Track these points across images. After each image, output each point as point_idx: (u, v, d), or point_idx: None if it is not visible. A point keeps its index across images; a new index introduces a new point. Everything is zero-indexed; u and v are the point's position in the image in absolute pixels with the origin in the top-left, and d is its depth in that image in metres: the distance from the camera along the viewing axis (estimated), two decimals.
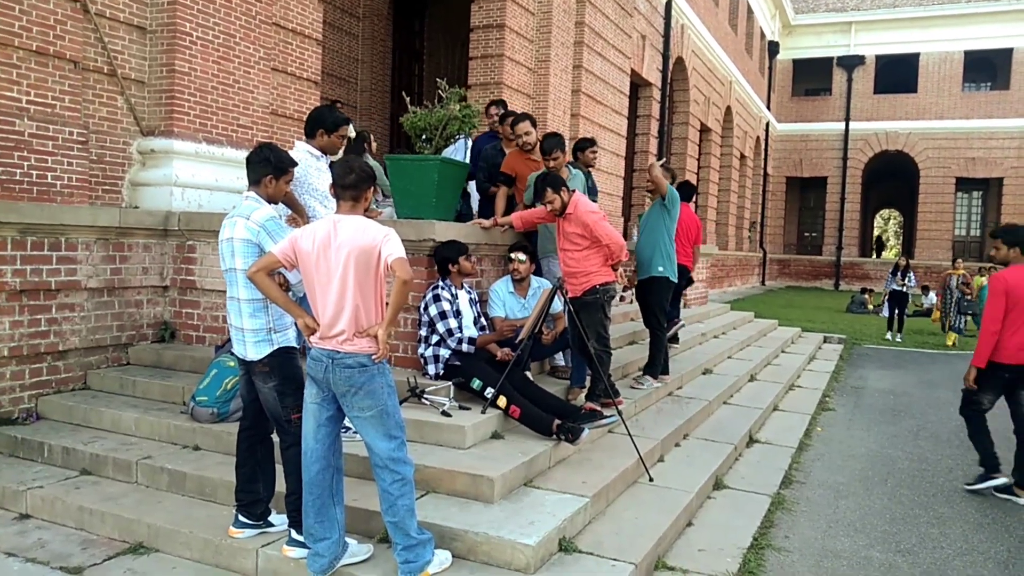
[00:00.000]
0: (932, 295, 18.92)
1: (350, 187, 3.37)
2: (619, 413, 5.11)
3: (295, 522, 3.56)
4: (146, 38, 6.38)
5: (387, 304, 3.35)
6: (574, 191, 5.53)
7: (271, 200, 3.81)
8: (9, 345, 5.09)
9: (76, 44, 5.67)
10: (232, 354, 4.96)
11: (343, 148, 8.00)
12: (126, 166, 6.36)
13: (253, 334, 3.61)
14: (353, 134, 8.68)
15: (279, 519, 3.78)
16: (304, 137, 4.76)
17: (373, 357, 3.31)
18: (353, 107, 13.29)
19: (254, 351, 3.61)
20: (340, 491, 3.50)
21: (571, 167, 6.28)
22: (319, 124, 4.63)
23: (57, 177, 5.55)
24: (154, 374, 5.61)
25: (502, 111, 7.00)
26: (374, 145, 8.54)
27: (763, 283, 29.67)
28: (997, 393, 5.56)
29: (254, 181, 3.75)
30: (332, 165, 3.47)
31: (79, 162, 5.70)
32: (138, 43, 6.34)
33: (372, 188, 3.48)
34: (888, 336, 14.90)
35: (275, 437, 3.85)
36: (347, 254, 3.25)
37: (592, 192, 6.75)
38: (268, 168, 3.73)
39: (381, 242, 3.27)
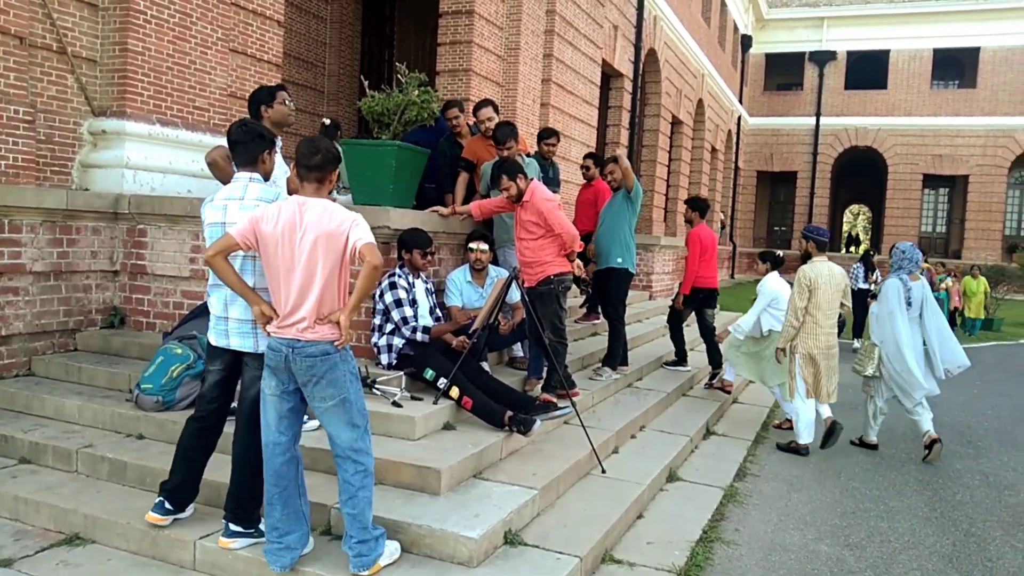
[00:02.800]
0: None
1: (315, 168, 3.26)
2: (573, 405, 5.08)
3: (236, 517, 3.47)
4: (98, 15, 6.20)
5: (351, 290, 3.27)
6: (532, 179, 5.48)
7: (267, 177, 3.68)
8: None
9: (22, 20, 5.48)
10: (180, 342, 4.88)
11: (320, 133, 7.95)
12: (76, 147, 6.19)
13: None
14: (328, 121, 8.62)
15: (191, 507, 3.73)
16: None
17: (336, 344, 3.23)
18: (320, 92, 13.10)
19: (264, 341, 3.45)
20: (303, 481, 3.42)
21: (525, 156, 6.22)
22: (259, 102, 4.60)
23: (1, 156, 5.37)
24: (101, 360, 5.48)
25: (458, 111, 6.79)
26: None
27: (732, 276, 29.84)
28: (691, 309, 7.94)
29: (249, 162, 3.57)
30: (298, 145, 3.35)
31: (25, 142, 5.53)
32: (90, 20, 6.16)
33: (337, 171, 3.39)
34: (855, 345, 12.29)
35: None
36: (314, 239, 3.15)
37: (554, 183, 6.71)
38: (263, 143, 3.59)
39: (349, 227, 3.18)
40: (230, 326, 3.50)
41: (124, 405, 4.79)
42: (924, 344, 6.44)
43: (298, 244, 3.17)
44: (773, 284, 7.01)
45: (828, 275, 6.13)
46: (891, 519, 5.01)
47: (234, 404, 3.68)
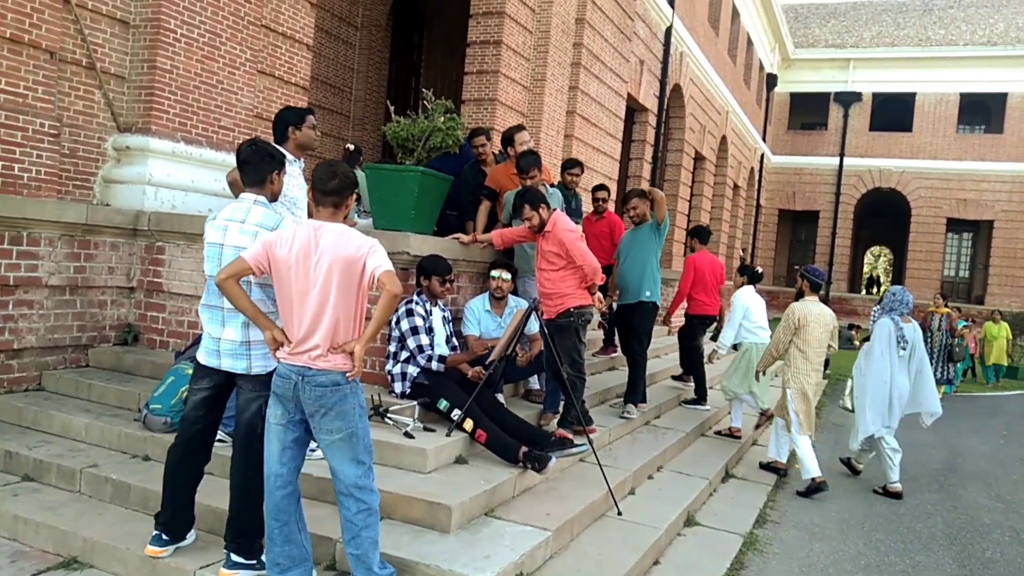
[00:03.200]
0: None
1: (332, 192, 3.17)
2: (590, 442, 4.93)
3: (239, 547, 3.35)
4: (129, 32, 6.23)
5: (368, 319, 3.17)
6: (554, 209, 5.40)
7: (274, 198, 3.62)
8: None
9: (54, 34, 5.51)
10: (192, 362, 4.78)
11: (344, 158, 7.94)
12: (100, 162, 6.19)
13: (262, 345, 3.36)
14: (352, 147, 8.63)
15: (191, 533, 3.62)
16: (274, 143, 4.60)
17: (348, 375, 3.11)
18: (346, 116, 13.17)
19: (262, 363, 3.38)
20: (303, 515, 3.30)
21: (548, 187, 6.13)
22: (286, 123, 4.50)
23: (24, 169, 5.36)
24: (112, 378, 5.41)
25: (485, 140, 6.73)
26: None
27: None
28: (702, 333, 8.35)
29: (257, 181, 3.50)
30: (315, 169, 3.28)
31: (49, 155, 5.52)
32: (120, 37, 6.19)
33: (354, 195, 3.31)
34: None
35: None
36: (329, 264, 3.05)
37: (576, 214, 6.62)
38: (272, 163, 3.53)
39: (367, 253, 3.08)
40: (222, 347, 3.41)
41: (132, 425, 4.70)
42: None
43: (313, 269, 3.07)
44: (744, 297, 7.38)
45: (818, 314, 6.37)
46: (918, 574, 4.80)
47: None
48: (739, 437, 7.42)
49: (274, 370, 3.36)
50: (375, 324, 3.08)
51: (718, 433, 7.56)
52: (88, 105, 6.05)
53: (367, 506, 3.16)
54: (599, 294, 5.55)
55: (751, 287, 7.56)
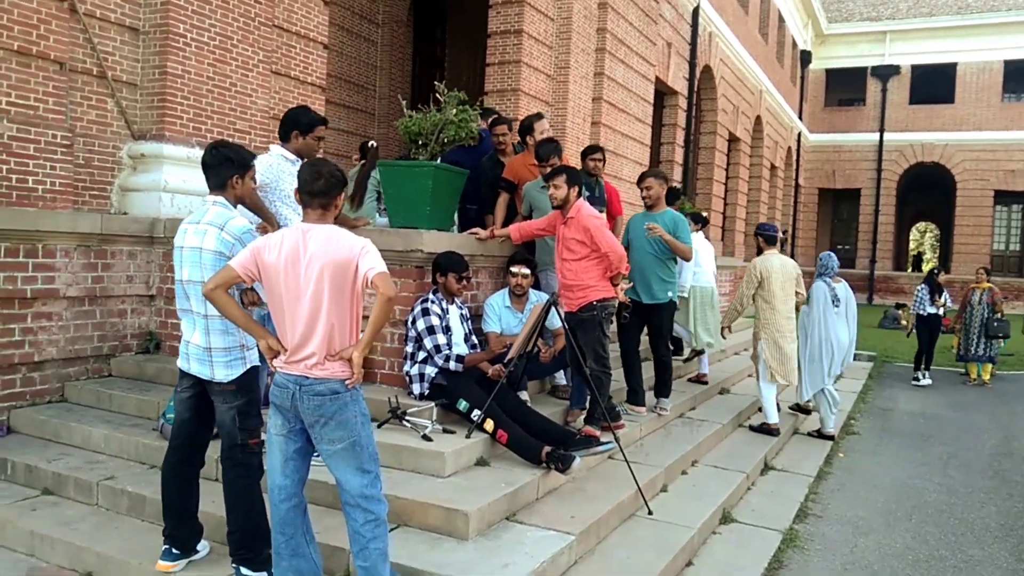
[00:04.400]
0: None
1: (319, 194, 3.02)
2: (616, 439, 4.74)
3: (244, 559, 3.26)
4: (139, 39, 6.18)
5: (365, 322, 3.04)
6: (581, 197, 5.19)
7: (240, 201, 3.58)
8: None
9: (62, 44, 5.47)
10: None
11: (371, 156, 7.78)
12: (115, 171, 6.16)
13: (224, 353, 3.33)
14: (375, 144, 8.48)
15: (203, 545, 3.55)
16: (278, 141, 4.49)
17: (347, 383, 2.97)
18: (371, 114, 13.10)
19: (224, 372, 3.33)
20: (310, 527, 3.19)
21: None
22: (293, 126, 4.36)
23: (39, 181, 5.35)
24: (133, 387, 5.37)
25: (507, 129, 6.50)
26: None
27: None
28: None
29: (218, 185, 3.49)
30: (300, 170, 3.17)
31: (63, 166, 5.50)
32: (130, 44, 6.14)
33: (342, 195, 3.18)
34: (916, 376, 11.53)
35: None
36: (320, 268, 2.91)
37: (600, 202, 6.39)
38: (232, 167, 3.48)
39: (359, 255, 2.92)
40: (190, 350, 3.39)
41: (150, 435, 4.65)
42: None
43: (303, 274, 2.93)
44: (694, 242, 7.37)
45: (780, 266, 6.87)
46: (971, 570, 4.53)
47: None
48: (706, 383, 7.85)
49: (238, 379, 3.30)
50: (371, 329, 2.93)
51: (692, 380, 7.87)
52: (101, 114, 6.02)
53: (375, 516, 3.03)
54: (622, 284, 5.33)
55: (700, 232, 7.97)
